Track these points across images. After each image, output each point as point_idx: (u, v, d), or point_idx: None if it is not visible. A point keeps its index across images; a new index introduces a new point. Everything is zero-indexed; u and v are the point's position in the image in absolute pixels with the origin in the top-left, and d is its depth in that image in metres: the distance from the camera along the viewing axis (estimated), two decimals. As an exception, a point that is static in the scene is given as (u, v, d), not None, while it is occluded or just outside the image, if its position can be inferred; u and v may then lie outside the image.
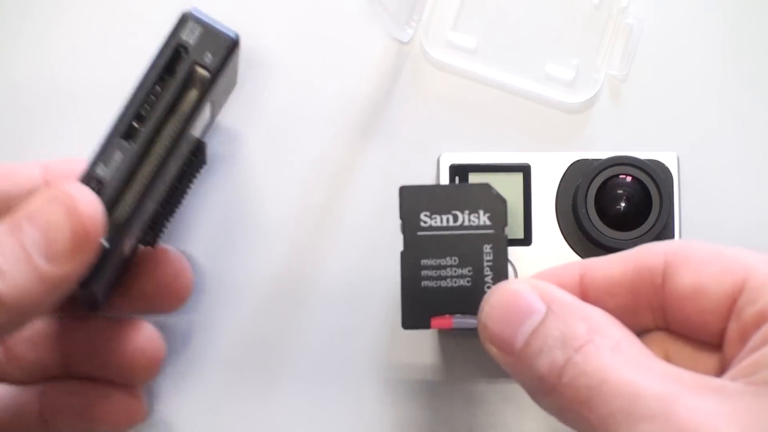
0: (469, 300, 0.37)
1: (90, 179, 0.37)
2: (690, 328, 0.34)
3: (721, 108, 0.48)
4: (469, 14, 0.48)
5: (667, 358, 0.34)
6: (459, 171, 0.44)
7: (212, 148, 0.46)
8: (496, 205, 0.38)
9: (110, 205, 0.37)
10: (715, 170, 0.47)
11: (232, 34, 0.39)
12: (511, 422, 0.46)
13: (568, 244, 0.44)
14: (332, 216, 0.47)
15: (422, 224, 0.38)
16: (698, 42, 0.48)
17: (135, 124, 0.38)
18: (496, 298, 0.34)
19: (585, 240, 0.43)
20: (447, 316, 0.38)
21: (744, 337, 0.31)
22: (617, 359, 0.31)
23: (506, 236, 0.38)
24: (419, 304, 0.38)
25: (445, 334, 0.46)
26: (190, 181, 0.42)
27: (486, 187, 0.39)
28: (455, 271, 0.38)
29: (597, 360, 0.31)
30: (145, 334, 0.43)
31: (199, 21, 0.39)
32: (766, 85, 0.48)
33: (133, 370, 0.42)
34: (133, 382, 0.43)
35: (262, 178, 0.47)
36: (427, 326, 0.38)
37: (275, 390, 0.46)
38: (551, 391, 0.32)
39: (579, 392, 0.31)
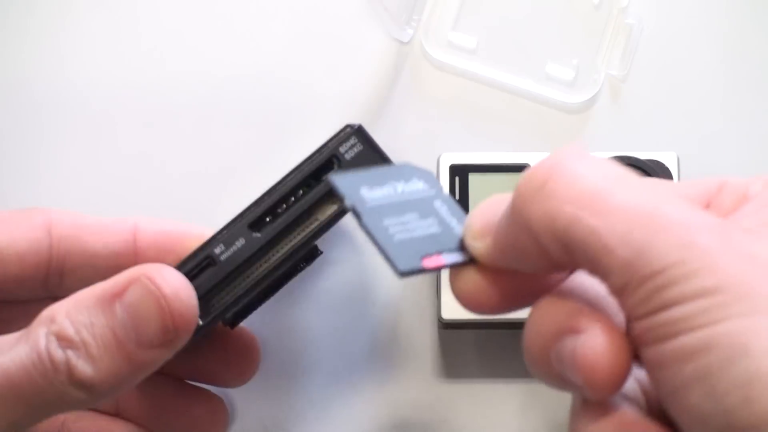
0: (446, 241, 0.35)
1: (203, 255, 0.37)
2: None
3: (721, 108, 0.48)
4: (469, 14, 0.48)
5: None
6: (459, 171, 0.44)
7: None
8: (425, 174, 0.36)
9: (217, 288, 0.37)
10: (715, 170, 0.47)
11: (389, 160, 0.39)
12: (511, 422, 0.46)
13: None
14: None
15: (367, 198, 0.35)
16: (698, 42, 0.48)
17: (267, 218, 0.38)
18: (479, 204, 0.33)
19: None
20: (435, 254, 0.34)
21: None
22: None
23: (449, 195, 0.36)
24: (403, 250, 0.34)
25: (447, 332, 0.46)
26: (292, 278, 0.42)
27: (409, 166, 0.36)
28: (420, 223, 0.35)
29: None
30: (211, 406, 0.43)
31: (362, 139, 0.38)
32: (766, 85, 0.48)
33: None
34: None
35: (262, 178, 0.47)
36: (420, 268, 0.34)
37: (273, 389, 0.46)
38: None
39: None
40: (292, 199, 0.38)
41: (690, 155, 0.45)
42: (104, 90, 0.48)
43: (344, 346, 0.46)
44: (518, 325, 0.45)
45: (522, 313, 0.43)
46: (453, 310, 0.43)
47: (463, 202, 0.44)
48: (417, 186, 0.36)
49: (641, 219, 0.27)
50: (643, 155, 0.43)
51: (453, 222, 0.35)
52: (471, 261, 0.33)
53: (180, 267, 0.38)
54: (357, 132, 0.37)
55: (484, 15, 0.48)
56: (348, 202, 0.34)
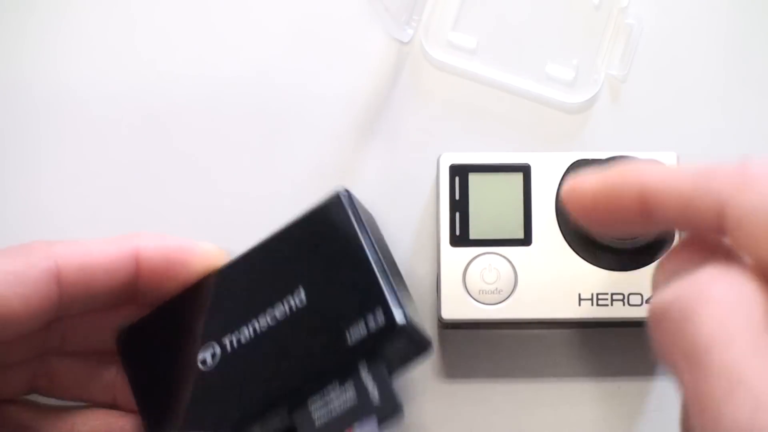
0: (361, 408, 0.37)
1: None
2: None
3: (721, 108, 0.48)
4: (469, 14, 0.48)
5: None
6: (459, 171, 0.44)
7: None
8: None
9: None
10: (715, 170, 0.47)
11: (430, 348, 0.39)
12: (511, 422, 0.46)
13: (568, 244, 0.44)
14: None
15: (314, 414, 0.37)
16: (698, 42, 0.48)
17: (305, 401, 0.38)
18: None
19: (585, 240, 0.43)
20: (348, 430, 0.37)
21: None
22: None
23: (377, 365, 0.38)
24: None
25: (447, 332, 0.46)
26: None
27: None
28: (339, 393, 0.37)
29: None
30: None
31: (407, 335, 0.37)
32: (766, 85, 0.48)
33: None
34: None
35: (262, 178, 0.47)
36: None
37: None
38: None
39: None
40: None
41: (690, 155, 0.45)
42: (102, 93, 0.48)
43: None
44: (518, 325, 0.46)
45: (519, 313, 0.43)
46: (453, 310, 0.43)
47: (463, 202, 0.44)
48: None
49: None
50: (643, 155, 0.43)
51: (370, 385, 0.37)
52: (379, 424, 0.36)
53: None
54: (405, 331, 0.37)
55: (484, 15, 0.48)
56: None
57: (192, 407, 0.39)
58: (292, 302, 0.39)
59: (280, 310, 0.39)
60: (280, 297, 0.39)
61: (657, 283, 0.31)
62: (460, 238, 0.44)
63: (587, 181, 0.32)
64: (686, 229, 0.31)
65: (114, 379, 0.42)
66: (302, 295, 0.39)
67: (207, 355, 0.39)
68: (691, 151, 0.46)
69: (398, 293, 0.38)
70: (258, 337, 0.39)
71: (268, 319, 0.39)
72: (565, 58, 0.47)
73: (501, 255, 0.44)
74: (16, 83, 0.48)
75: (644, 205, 0.31)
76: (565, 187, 0.33)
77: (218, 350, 0.39)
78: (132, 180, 0.47)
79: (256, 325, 0.39)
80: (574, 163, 0.44)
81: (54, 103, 0.48)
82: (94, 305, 0.40)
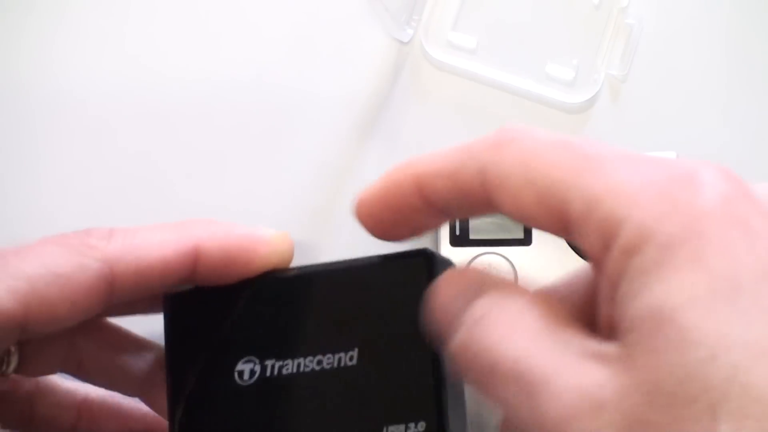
0: None
1: None
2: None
3: (721, 108, 0.48)
4: (469, 14, 0.48)
5: None
6: (459, 171, 0.44)
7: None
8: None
9: None
10: (715, 170, 0.47)
11: None
12: (511, 422, 0.46)
13: (568, 244, 0.44)
14: (332, 217, 0.47)
15: None
16: (698, 42, 0.48)
17: None
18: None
19: (585, 240, 0.43)
20: None
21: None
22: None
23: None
24: None
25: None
26: None
27: None
28: None
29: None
30: None
31: None
32: (766, 85, 0.48)
33: None
34: None
35: (262, 179, 0.47)
36: None
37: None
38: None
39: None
40: None
41: (690, 155, 0.45)
42: (102, 94, 0.48)
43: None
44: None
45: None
46: (453, 310, 0.43)
47: (463, 202, 0.44)
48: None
49: None
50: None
51: None
52: None
53: None
54: None
55: (484, 15, 0.48)
56: None
57: (216, 415, 0.38)
58: (343, 359, 0.37)
59: (329, 360, 0.37)
60: (333, 350, 0.37)
61: (442, 319, 0.31)
62: (460, 238, 0.44)
63: (371, 187, 0.32)
64: (462, 208, 0.31)
65: (145, 375, 0.41)
66: (355, 357, 0.37)
67: (246, 369, 0.38)
68: (691, 151, 0.46)
69: (449, 400, 0.36)
70: (300, 376, 0.37)
71: (315, 363, 0.37)
72: (565, 58, 0.47)
73: (501, 255, 0.44)
74: (15, 84, 0.48)
75: (422, 194, 0.31)
76: (354, 201, 0.33)
77: (258, 369, 0.38)
78: (131, 181, 0.47)
79: (302, 363, 0.37)
80: (574, 163, 0.44)
81: (52, 104, 0.48)
82: (143, 297, 0.38)
